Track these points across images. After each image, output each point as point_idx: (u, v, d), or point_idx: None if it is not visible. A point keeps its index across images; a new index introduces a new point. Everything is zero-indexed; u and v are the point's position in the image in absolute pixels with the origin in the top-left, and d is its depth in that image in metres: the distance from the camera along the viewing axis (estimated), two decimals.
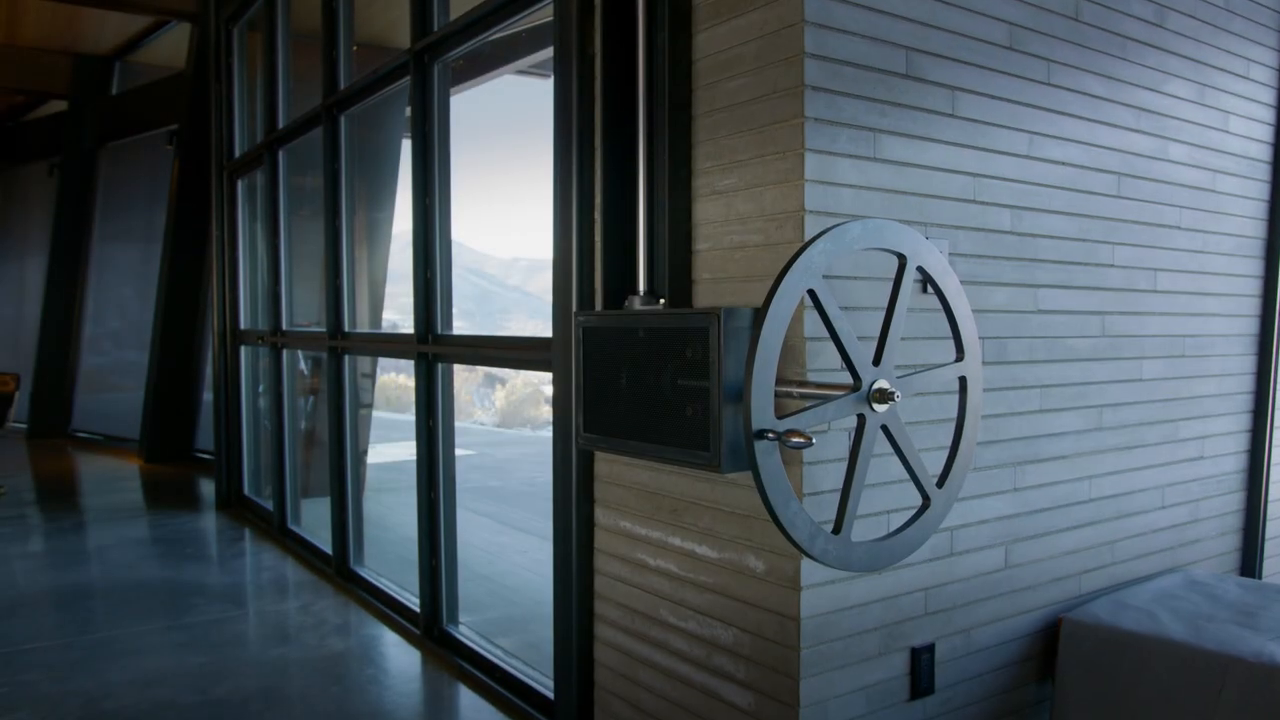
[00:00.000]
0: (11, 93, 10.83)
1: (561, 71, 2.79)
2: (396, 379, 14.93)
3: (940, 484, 2.13)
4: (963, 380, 2.16)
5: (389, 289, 7.02)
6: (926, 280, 2.12)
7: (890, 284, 2.04)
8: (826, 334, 2.10)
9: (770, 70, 2.17)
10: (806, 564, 2.15)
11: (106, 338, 10.88)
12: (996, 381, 2.55)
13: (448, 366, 3.92)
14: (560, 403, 2.87)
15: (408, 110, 3.93)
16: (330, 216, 4.79)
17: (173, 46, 9.68)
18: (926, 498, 2.10)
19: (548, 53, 2.89)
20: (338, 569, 4.83)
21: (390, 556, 5.09)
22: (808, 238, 2.08)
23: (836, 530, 1.97)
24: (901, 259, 2.02)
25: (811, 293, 1.91)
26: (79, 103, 10.49)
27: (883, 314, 2.03)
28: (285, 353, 5.79)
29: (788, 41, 2.12)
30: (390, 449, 9.37)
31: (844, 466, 2.16)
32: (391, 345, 4.87)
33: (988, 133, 2.46)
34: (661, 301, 2.47)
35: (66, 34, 9.85)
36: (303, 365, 6.24)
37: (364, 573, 4.72)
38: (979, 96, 2.44)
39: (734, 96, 2.27)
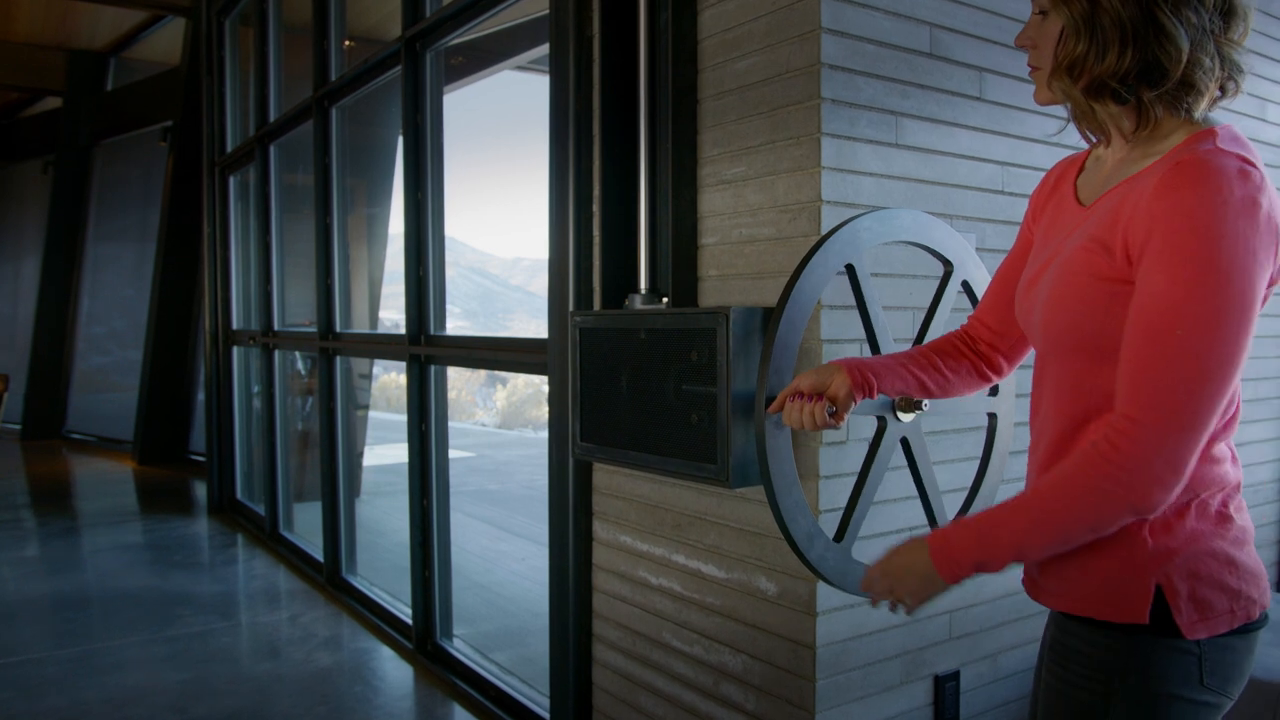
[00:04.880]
0: (5, 89, 10.67)
1: (557, 54, 2.61)
2: (398, 378, 14.78)
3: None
4: (994, 388, 1.98)
5: (387, 289, 6.86)
6: (966, 291, 1.95)
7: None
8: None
9: (783, 48, 1.99)
10: (822, 587, 1.97)
11: (102, 337, 10.72)
12: (1023, 386, 2.36)
13: (441, 368, 3.75)
14: (556, 408, 2.70)
15: None
16: (321, 213, 4.62)
17: (167, 42, 9.53)
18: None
19: (548, 48, 2.71)
20: (329, 578, 4.65)
21: (385, 564, 4.92)
22: (824, 230, 1.90)
23: (838, 538, 1.79)
24: (948, 266, 1.84)
25: (850, 267, 1.72)
26: (73, 99, 10.32)
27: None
28: (277, 354, 5.62)
29: (802, 16, 1.94)
30: (390, 450, 9.20)
31: None
32: (383, 346, 4.70)
33: (1017, 118, 2.28)
34: (664, 300, 2.30)
35: (60, 30, 9.69)
36: (300, 365, 6.07)
37: (356, 582, 4.55)
38: (1008, 79, 2.25)
39: (743, 78, 2.09)
